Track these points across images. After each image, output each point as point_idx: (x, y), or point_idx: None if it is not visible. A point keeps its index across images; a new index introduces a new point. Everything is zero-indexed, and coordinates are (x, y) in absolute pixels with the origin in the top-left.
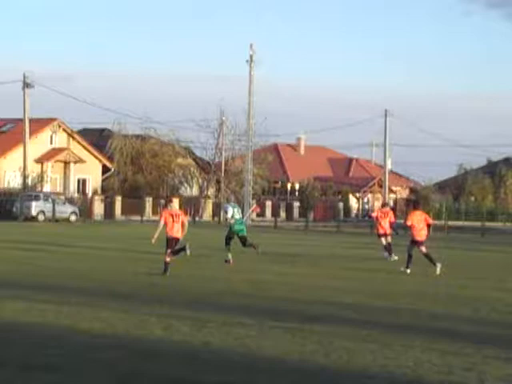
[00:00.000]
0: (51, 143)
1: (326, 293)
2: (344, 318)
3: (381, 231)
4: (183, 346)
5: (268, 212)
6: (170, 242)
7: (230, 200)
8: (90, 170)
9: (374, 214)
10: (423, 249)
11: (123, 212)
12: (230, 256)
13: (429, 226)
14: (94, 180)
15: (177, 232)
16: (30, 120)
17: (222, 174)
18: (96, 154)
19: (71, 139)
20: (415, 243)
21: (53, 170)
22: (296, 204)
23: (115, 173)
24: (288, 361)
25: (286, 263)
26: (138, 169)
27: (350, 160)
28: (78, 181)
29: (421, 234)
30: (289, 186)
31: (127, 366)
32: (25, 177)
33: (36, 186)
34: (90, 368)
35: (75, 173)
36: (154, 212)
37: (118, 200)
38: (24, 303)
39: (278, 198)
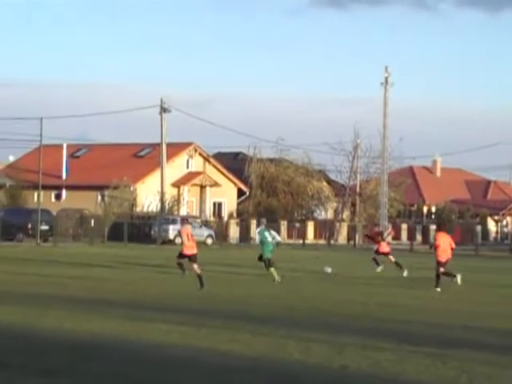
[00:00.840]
0: (187, 167)
1: (461, 317)
2: (483, 343)
3: (385, 250)
4: (322, 369)
5: (404, 235)
6: (187, 257)
7: (262, 223)
8: (226, 194)
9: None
10: (441, 269)
11: None
12: (276, 277)
13: (452, 249)
14: (230, 203)
15: (191, 249)
16: (167, 144)
17: (357, 197)
18: (231, 177)
19: (207, 163)
20: (442, 264)
21: (189, 194)
22: (432, 227)
23: (251, 196)
24: None
25: (420, 287)
26: (273, 192)
27: (488, 182)
28: (214, 204)
29: (444, 255)
30: (425, 208)
31: None
32: (162, 201)
33: (173, 210)
34: None
35: (211, 196)
36: (289, 235)
37: (253, 223)
38: (165, 325)
39: (413, 221)
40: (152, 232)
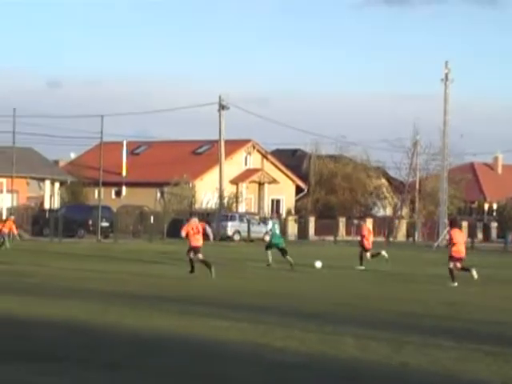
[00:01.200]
0: (246, 164)
1: None
2: None
3: (367, 245)
4: (380, 366)
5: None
6: (192, 249)
7: (273, 217)
8: (284, 191)
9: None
10: (458, 265)
11: (316, 232)
12: (270, 260)
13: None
14: (288, 200)
15: (197, 241)
16: (226, 141)
17: (417, 194)
18: (289, 174)
19: (265, 160)
20: (454, 259)
21: (247, 191)
22: (493, 225)
23: (310, 193)
24: None
25: (479, 285)
26: (331, 189)
27: None
28: (272, 201)
29: (460, 250)
30: (486, 206)
31: None
32: (221, 197)
33: (231, 207)
34: None
35: (269, 193)
36: (348, 232)
37: (312, 220)
38: (224, 322)
39: (474, 218)
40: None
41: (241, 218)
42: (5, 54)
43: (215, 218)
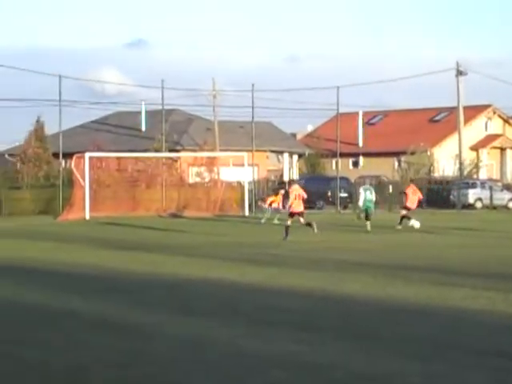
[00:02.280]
0: (486, 130)
1: None
2: None
3: (409, 205)
4: None
5: None
6: (293, 214)
7: (365, 183)
8: None
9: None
10: None
11: None
12: (368, 227)
13: None
14: None
15: (298, 207)
16: (464, 107)
17: None
18: None
19: (507, 125)
20: None
21: (488, 157)
22: None
23: None
24: None
25: None
26: None
27: None
28: None
29: None
30: None
31: None
32: (460, 164)
33: (472, 174)
34: None
35: None
36: None
37: None
38: (471, 291)
39: None
40: (451, 197)
41: (482, 184)
42: (246, 33)
43: (455, 185)
